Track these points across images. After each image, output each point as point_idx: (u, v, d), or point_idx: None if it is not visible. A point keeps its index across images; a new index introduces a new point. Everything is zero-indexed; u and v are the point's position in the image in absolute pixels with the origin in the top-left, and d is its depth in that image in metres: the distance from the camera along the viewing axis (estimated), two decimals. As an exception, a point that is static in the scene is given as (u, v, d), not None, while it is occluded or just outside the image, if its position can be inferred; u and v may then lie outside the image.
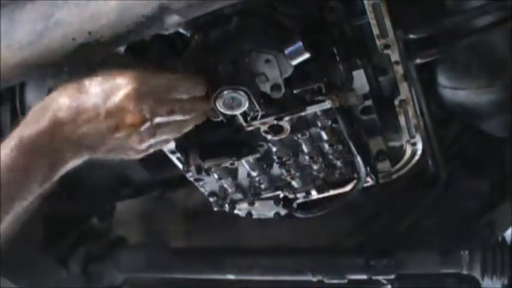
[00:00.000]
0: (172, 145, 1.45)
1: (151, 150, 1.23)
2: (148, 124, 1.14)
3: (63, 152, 1.13)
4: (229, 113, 1.27)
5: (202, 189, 1.58)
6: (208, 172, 1.50)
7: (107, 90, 1.11)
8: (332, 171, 1.52)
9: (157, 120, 1.15)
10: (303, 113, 1.33)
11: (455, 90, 1.61)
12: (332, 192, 1.55)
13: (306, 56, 1.22)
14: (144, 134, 1.15)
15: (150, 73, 1.15)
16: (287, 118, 1.34)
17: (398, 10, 1.29)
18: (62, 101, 1.11)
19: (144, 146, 1.18)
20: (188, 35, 1.33)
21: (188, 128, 1.25)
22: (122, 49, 1.35)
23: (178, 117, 1.20)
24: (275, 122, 1.35)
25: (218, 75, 1.24)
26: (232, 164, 1.46)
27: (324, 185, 1.55)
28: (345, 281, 1.93)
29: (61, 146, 1.12)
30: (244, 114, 1.32)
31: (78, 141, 1.12)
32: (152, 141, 1.18)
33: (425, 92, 1.51)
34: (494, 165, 1.99)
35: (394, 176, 1.55)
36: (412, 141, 1.47)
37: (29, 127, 1.10)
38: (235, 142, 1.43)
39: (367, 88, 1.35)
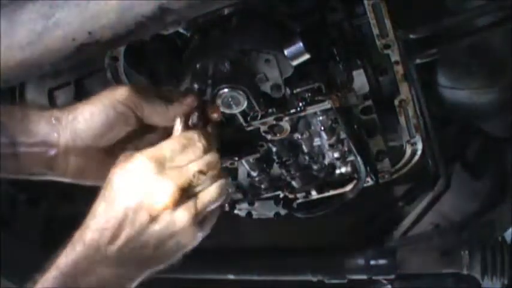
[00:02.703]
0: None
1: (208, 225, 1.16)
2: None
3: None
4: (228, 111, 1.27)
5: (202, 189, 1.58)
6: (208, 172, 1.50)
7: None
8: (332, 171, 1.52)
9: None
10: (303, 113, 1.33)
11: (455, 90, 1.61)
12: (332, 192, 1.54)
13: (306, 56, 1.22)
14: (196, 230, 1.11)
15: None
16: (287, 118, 1.34)
17: (398, 10, 1.29)
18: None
19: (199, 234, 1.13)
20: (188, 35, 1.33)
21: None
22: (121, 49, 1.35)
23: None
24: (275, 122, 1.35)
25: (218, 75, 1.24)
26: (232, 164, 1.46)
27: (324, 185, 1.55)
28: (345, 281, 1.93)
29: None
30: (244, 114, 1.32)
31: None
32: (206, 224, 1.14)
33: (425, 92, 1.51)
34: (494, 165, 1.98)
35: (394, 176, 1.55)
36: (412, 141, 1.47)
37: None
38: (235, 142, 1.42)
39: (367, 88, 1.35)
